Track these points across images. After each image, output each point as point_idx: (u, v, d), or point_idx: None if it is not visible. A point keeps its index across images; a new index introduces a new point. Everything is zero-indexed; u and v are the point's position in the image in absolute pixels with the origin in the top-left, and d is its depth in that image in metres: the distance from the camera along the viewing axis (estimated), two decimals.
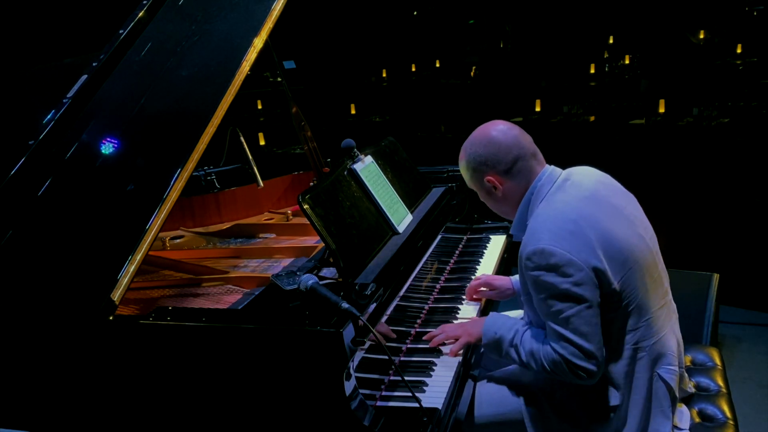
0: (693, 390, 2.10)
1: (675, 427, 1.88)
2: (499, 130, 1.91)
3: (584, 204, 1.82)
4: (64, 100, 2.10)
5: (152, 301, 2.05)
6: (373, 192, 2.26)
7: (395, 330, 2.03)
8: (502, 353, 1.92)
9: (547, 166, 1.94)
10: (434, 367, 1.92)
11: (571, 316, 1.72)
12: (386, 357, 1.79)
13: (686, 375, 2.03)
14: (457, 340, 1.99)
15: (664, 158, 4.85)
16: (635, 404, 1.83)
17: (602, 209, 1.83)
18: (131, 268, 1.71)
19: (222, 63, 2.07)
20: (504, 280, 2.33)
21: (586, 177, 1.92)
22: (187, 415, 1.69)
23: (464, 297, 2.34)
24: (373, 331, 1.63)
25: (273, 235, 2.60)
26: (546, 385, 1.92)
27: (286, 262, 2.27)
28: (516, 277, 2.30)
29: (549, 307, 1.75)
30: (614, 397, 1.83)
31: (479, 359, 2.18)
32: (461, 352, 1.97)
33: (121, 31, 2.22)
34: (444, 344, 2.01)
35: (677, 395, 1.89)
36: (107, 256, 1.76)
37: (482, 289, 2.34)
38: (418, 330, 2.12)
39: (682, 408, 1.97)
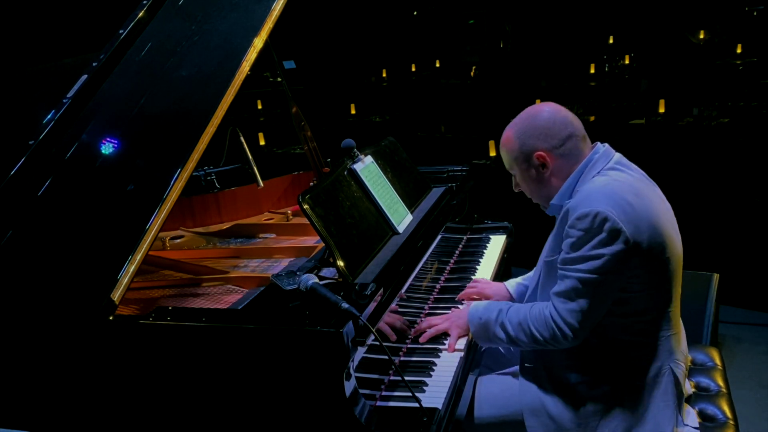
0: (692, 390, 2.10)
1: (685, 425, 1.88)
2: (551, 108, 1.92)
3: (642, 185, 1.84)
4: (64, 100, 2.10)
5: (152, 301, 2.05)
6: (373, 192, 2.26)
7: (395, 330, 2.03)
8: (490, 335, 1.94)
9: (600, 143, 1.94)
10: (434, 367, 1.91)
11: (590, 281, 1.73)
12: (386, 357, 1.79)
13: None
14: (447, 333, 2.01)
15: (664, 158, 4.84)
16: (640, 394, 1.83)
17: (656, 195, 1.86)
18: (131, 268, 1.71)
19: (222, 63, 2.07)
20: (498, 287, 2.31)
21: (633, 165, 1.94)
22: (187, 415, 1.69)
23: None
24: (373, 331, 1.63)
25: (273, 235, 2.60)
26: (547, 384, 1.92)
27: (286, 262, 2.27)
28: (512, 282, 2.30)
29: (576, 264, 1.75)
30: (619, 389, 1.83)
31: (479, 359, 2.17)
32: (461, 347, 1.98)
33: (121, 31, 2.21)
34: (443, 342, 2.02)
35: (683, 392, 1.90)
36: (107, 256, 1.75)
37: (476, 298, 2.28)
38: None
39: (688, 408, 1.97)
